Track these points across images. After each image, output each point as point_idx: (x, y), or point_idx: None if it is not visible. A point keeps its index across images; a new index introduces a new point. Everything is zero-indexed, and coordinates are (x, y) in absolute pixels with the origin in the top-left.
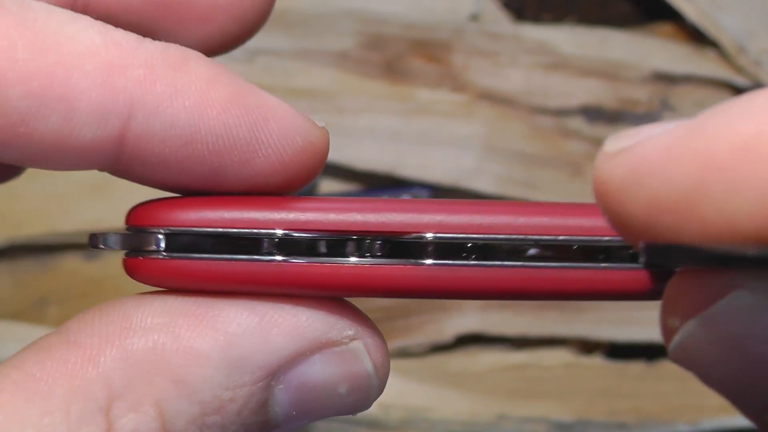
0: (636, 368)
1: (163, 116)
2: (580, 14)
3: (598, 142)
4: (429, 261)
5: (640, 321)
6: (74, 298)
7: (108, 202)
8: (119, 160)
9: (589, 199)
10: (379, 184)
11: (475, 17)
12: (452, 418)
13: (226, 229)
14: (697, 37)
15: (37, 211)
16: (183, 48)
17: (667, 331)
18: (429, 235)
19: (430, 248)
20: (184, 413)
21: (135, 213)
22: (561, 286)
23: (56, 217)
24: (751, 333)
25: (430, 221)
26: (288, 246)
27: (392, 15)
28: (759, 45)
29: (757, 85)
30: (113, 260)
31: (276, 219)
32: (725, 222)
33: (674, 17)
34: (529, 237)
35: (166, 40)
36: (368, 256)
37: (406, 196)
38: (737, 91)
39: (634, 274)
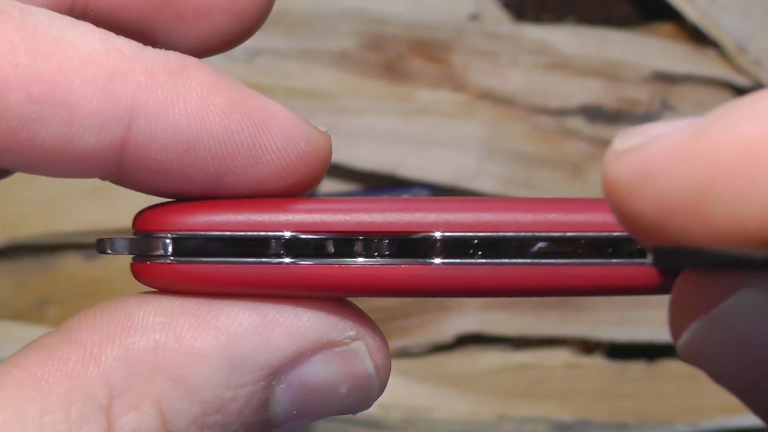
0: (636, 368)
1: (164, 122)
2: (580, 14)
3: (598, 142)
4: (437, 260)
5: (640, 321)
6: (74, 298)
7: (108, 203)
8: (121, 168)
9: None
10: (379, 185)
11: (475, 17)
12: (452, 418)
13: (233, 233)
14: (697, 37)
15: (37, 211)
16: (183, 55)
17: (676, 329)
18: (437, 234)
19: (438, 247)
20: (184, 413)
21: (142, 217)
22: (570, 282)
23: (56, 217)
24: (759, 331)
25: (437, 220)
26: (296, 248)
27: (392, 15)
28: (759, 45)
29: (758, 85)
30: (113, 260)
31: (283, 221)
32: (732, 224)
33: (674, 17)
34: (538, 234)
35: (166, 38)
36: (377, 256)
37: (406, 197)
38: (737, 91)
39: (642, 269)
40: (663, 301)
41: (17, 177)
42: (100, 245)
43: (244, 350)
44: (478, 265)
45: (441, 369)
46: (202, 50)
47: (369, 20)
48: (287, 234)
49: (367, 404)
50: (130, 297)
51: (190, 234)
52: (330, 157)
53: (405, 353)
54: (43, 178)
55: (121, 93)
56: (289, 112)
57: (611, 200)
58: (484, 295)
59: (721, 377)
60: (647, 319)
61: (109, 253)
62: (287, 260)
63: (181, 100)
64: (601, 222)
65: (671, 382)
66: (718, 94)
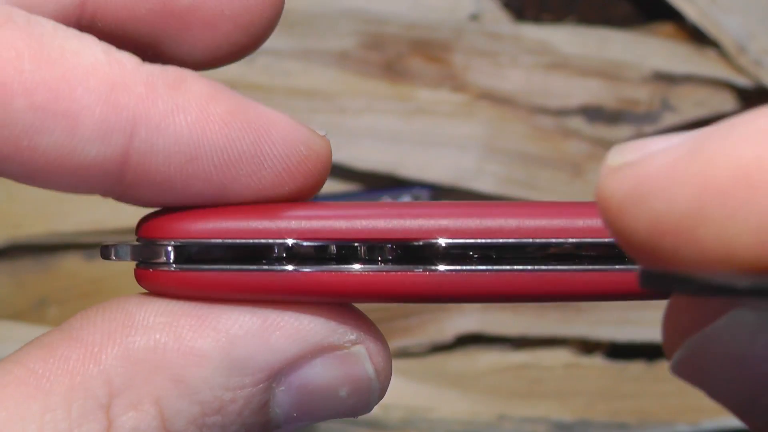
0: (636, 368)
1: (165, 133)
2: (580, 14)
3: (598, 142)
4: (441, 267)
5: (640, 321)
6: (74, 298)
7: (108, 202)
8: (123, 182)
9: (589, 198)
10: (379, 184)
11: (475, 17)
12: (452, 418)
13: (235, 240)
14: (697, 37)
15: (37, 211)
16: (180, 68)
17: (669, 346)
18: (441, 241)
19: (441, 254)
20: (184, 412)
21: (145, 224)
22: (574, 288)
23: (56, 217)
24: (751, 351)
25: (440, 226)
26: (298, 254)
27: (392, 15)
28: (759, 45)
29: (758, 85)
30: (113, 261)
31: (285, 228)
32: (722, 248)
33: (674, 17)
34: (542, 240)
35: (174, 50)
36: (380, 262)
37: (406, 197)
38: (737, 91)
39: None
40: (663, 301)
41: None
42: (104, 251)
43: (244, 352)
44: (480, 272)
45: (441, 369)
46: (209, 61)
47: (369, 20)
48: (289, 241)
49: (367, 407)
50: (132, 297)
51: (193, 241)
52: (330, 160)
53: (405, 353)
54: None
55: (123, 104)
56: (287, 117)
57: (605, 216)
58: (487, 301)
59: (715, 394)
60: (647, 319)
61: (113, 260)
62: (290, 267)
63: (181, 111)
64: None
65: (671, 382)
66: (718, 94)
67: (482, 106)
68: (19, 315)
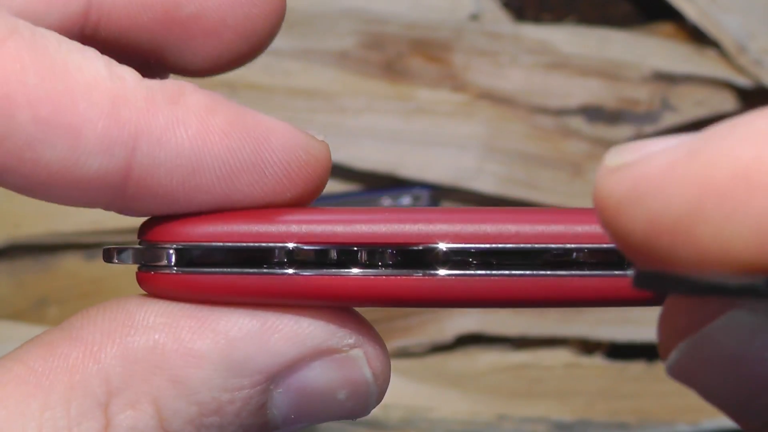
0: (636, 368)
1: (166, 146)
2: (580, 14)
3: (598, 142)
4: (441, 272)
5: (640, 321)
6: (74, 298)
7: None
8: (125, 194)
9: (590, 198)
10: (379, 184)
11: (475, 17)
12: (452, 418)
13: (236, 244)
14: (697, 36)
15: (37, 211)
16: (178, 81)
17: (664, 348)
18: (441, 246)
19: (441, 259)
20: (181, 413)
21: (147, 228)
22: (572, 293)
23: (56, 217)
24: (748, 353)
25: (440, 231)
26: (299, 258)
27: (392, 15)
28: (759, 45)
29: (758, 85)
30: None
31: (286, 232)
32: (720, 248)
33: (674, 17)
34: (540, 246)
35: (177, 58)
36: (380, 266)
37: (406, 197)
38: (737, 91)
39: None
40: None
41: None
42: (106, 255)
43: (242, 354)
44: (480, 277)
45: (441, 369)
46: (211, 68)
47: (369, 20)
48: (290, 245)
49: (365, 410)
50: (132, 297)
51: (194, 245)
52: (330, 164)
53: (405, 353)
54: None
55: (125, 118)
56: (285, 124)
57: (602, 216)
58: (486, 306)
59: (710, 396)
60: (647, 319)
61: (115, 263)
62: (290, 271)
63: (182, 124)
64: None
65: (671, 382)
66: (718, 94)
67: (482, 106)
68: (19, 315)
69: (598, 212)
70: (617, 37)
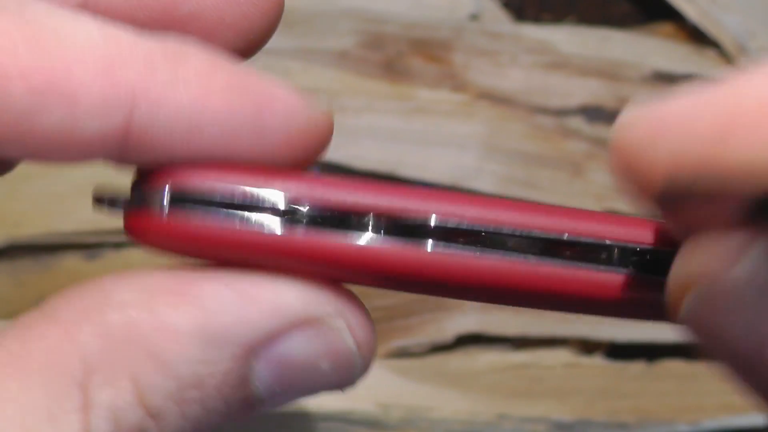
0: (636, 368)
1: (166, 106)
2: (580, 14)
3: (598, 142)
4: (437, 244)
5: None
6: None
7: None
8: (124, 150)
9: (590, 198)
10: None
11: (475, 17)
12: (452, 417)
13: (230, 192)
14: (697, 36)
15: (36, 210)
16: (180, 39)
17: (675, 297)
18: (436, 220)
19: (435, 233)
20: (160, 388)
21: (140, 173)
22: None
23: (56, 217)
24: None
25: (438, 206)
26: (291, 218)
27: (392, 14)
28: (759, 44)
29: None
30: (113, 260)
31: (282, 187)
32: (749, 171)
33: (674, 17)
34: (538, 233)
35: None
36: (374, 233)
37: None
38: None
39: (647, 280)
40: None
41: (17, 175)
42: (97, 200)
43: (220, 326)
44: (475, 256)
45: (441, 369)
46: None
47: (369, 19)
48: (283, 202)
49: (350, 381)
50: (110, 275)
51: (189, 191)
52: (331, 133)
53: (405, 353)
54: (43, 177)
55: (122, 79)
56: (289, 89)
57: (620, 161)
58: (477, 292)
59: (723, 346)
60: None
61: (106, 210)
62: (281, 229)
63: (182, 84)
64: (600, 230)
65: (671, 382)
66: None
67: (482, 106)
68: (18, 315)
69: (616, 160)
70: (617, 37)
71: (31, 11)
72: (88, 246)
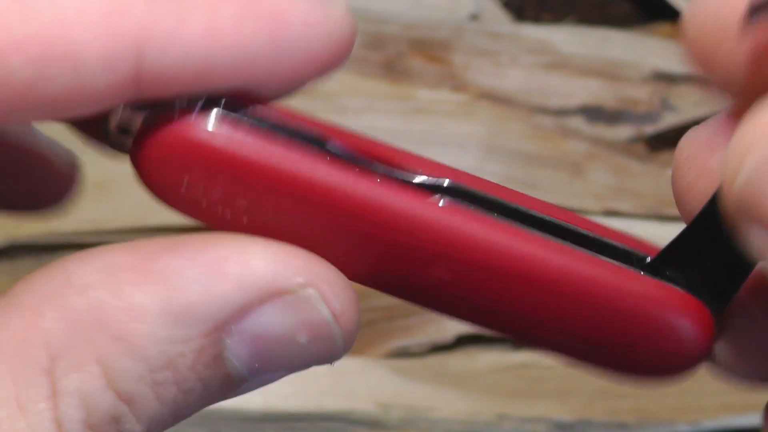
0: None
1: (174, 48)
2: (580, 14)
3: (598, 142)
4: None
5: None
6: None
7: (109, 201)
8: (138, 94)
9: (590, 198)
10: None
11: (475, 17)
12: (452, 417)
13: (280, 119)
14: None
15: None
16: None
17: (737, 159)
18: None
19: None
20: (129, 370)
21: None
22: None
23: (56, 217)
24: None
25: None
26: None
27: (392, 14)
28: None
29: None
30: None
31: (325, 127)
32: None
33: (674, 17)
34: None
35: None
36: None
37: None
38: None
39: (666, 289)
40: None
41: None
42: (110, 129)
43: (186, 303)
44: (484, 219)
45: (441, 369)
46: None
47: (369, 19)
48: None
49: (332, 354)
50: (73, 256)
51: (239, 106)
52: (353, 34)
53: (405, 353)
54: None
55: (124, 29)
56: (301, 0)
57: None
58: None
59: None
60: None
61: (116, 138)
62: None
63: (187, 22)
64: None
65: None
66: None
67: (482, 106)
68: None
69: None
70: (617, 37)
71: None
72: (88, 246)
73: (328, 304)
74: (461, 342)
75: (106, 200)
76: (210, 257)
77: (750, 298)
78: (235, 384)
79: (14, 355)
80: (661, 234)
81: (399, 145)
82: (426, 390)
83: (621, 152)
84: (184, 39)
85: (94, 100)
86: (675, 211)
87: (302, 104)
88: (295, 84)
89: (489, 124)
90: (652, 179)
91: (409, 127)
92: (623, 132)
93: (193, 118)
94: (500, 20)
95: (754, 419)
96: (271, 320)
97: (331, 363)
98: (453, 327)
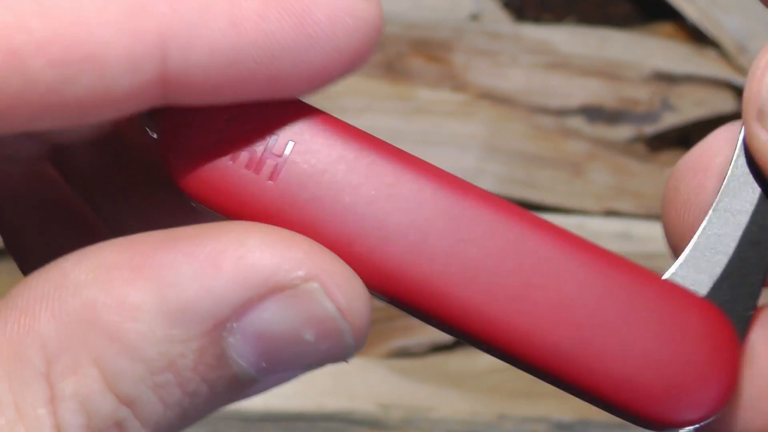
0: None
1: (198, 45)
2: (580, 14)
3: (598, 142)
4: None
5: None
6: None
7: None
8: (164, 97)
9: (590, 198)
10: None
11: (475, 17)
12: (452, 417)
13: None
14: (697, 36)
15: None
16: None
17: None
18: None
19: None
20: (128, 372)
21: None
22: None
23: None
24: None
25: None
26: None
27: (392, 14)
28: (759, 45)
29: None
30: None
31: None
32: None
33: (674, 17)
34: None
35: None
36: None
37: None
38: (737, 90)
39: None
40: None
41: None
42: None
43: (182, 301)
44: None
45: (441, 369)
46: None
47: None
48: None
49: (342, 351)
50: (70, 255)
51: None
52: (381, 23)
53: (405, 353)
54: None
55: (147, 28)
56: None
57: None
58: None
59: None
60: None
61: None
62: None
63: (210, 17)
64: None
65: None
66: (718, 94)
67: (482, 106)
68: None
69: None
70: (617, 37)
71: None
72: None
73: (332, 298)
74: (461, 342)
75: None
76: (205, 251)
77: None
78: (245, 385)
79: (10, 360)
80: (661, 234)
81: (399, 145)
82: (426, 390)
83: (621, 152)
84: (208, 35)
85: (120, 103)
86: None
87: None
88: (321, 81)
89: (489, 124)
90: (652, 179)
91: (409, 127)
92: (623, 132)
93: None
94: (500, 20)
95: None
96: (273, 317)
97: (345, 360)
98: None
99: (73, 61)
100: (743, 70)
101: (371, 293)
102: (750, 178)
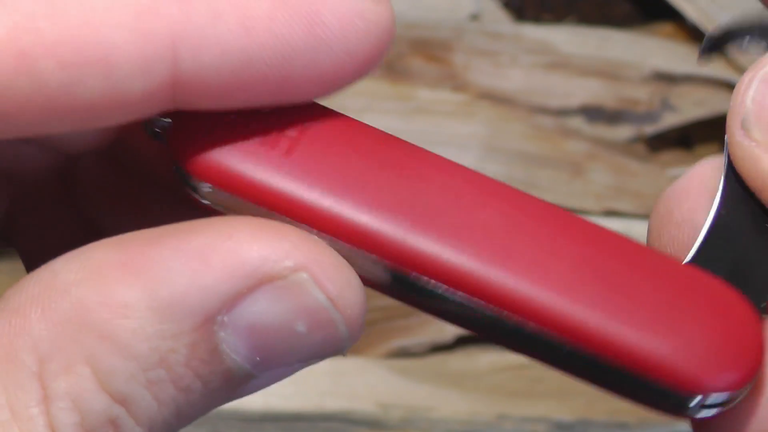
0: None
1: (209, 47)
2: (580, 14)
3: (598, 142)
4: None
5: None
6: None
7: None
8: (175, 100)
9: (590, 198)
10: None
11: (475, 17)
12: (452, 417)
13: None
14: (697, 36)
15: None
16: None
17: (741, 91)
18: None
19: None
20: (120, 370)
21: None
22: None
23: None
24: None
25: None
26: None
27: None
28: None
29: None
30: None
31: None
32: None
33: (674, 17)
34: None
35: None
36: None
37: None
38: None
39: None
40: None
41: None
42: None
43: (172, 295)
44: None
45: (441, 369)
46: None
47: None
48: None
49: (339, 342)
50: (62, 255)
51: None
52: (393, 26)
53: (405, 353)
54: None
55: (157, 30)
56: None
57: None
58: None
59: None
60: None
61: (153, 131)
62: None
63: (221, 19)
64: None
65: None
66: (718, 94)
67: (482, 106)
68: None
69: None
70: (617, 37)
71: None
72: None
73: (322, 287)
74: (461, 342)
75: None
76: (193, 245)
77: None
78: (240, 380)
79: (3, 361)
80: None
81: None
82: (426, 390)
83: (621, 152)
84: (219, 37)
85: (130, 106)
86: None
87: None
88: (333, 84)
89: (489, 124)
90: (652, 179)
91: (409, 127)
92: (623, 132)
93: None
94: (500, 20)
95: None
96: (264, 309)
97: (341, 353)
98: (453, 327)
99: (82, 62)
100: (743, 70)
101: (384, 286)
102: (740, 190)
